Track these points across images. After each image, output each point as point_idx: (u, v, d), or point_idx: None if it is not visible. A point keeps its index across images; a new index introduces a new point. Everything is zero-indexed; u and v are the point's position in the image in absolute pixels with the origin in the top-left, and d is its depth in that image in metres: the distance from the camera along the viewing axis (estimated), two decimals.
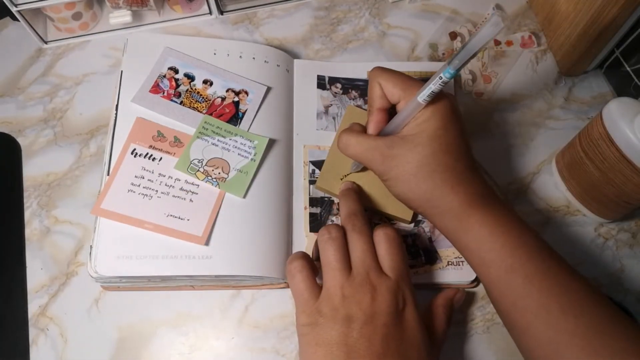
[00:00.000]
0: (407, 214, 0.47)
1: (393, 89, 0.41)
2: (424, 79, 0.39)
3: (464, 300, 0.46)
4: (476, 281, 0.47)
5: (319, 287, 0.39)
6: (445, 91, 0.39)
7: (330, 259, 0.39)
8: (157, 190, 0.46)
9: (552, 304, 0.36)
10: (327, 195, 0.49)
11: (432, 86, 0.37)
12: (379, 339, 0.36)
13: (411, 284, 0.40)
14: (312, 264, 0.40)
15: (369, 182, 0.48)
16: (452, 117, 0.40)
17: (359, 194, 0.46)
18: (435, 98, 0.39)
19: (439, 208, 0.40)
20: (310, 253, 0.45)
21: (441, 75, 0.36)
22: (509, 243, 0.38)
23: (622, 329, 0.36)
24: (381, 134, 0.43)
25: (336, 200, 0.49)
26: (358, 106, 0.53)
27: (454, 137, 0.40)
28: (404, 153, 0.40)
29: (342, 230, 0.41)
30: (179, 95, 0.50)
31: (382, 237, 0.40)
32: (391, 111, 0.43)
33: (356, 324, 0.36)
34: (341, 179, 0.48)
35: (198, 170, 0.47)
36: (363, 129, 0.44)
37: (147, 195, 0.45)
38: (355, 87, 0.54)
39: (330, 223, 0.42)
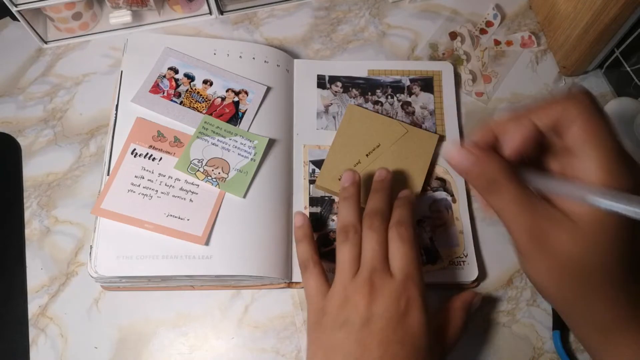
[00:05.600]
0: None
1: (590, 152, 0.29)
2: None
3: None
4: (477, 281, 0.47)
5: (328, 284, 0.40)
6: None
7: (342, 258, 0.40)
8: (157, 190, 0.46)
9: None
10: (327, 194, 0.49)
11: (623, 211, 0.27)
12: (375, 344, 0.35)
13: (422, 285, 0.38)
14: (320, 260, 0.42)
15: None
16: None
17: (391, 191, 0.44)
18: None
19: (585, 318, 0.33)
20: None
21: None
22: None
23: None
24: (524, 176, 0.31)
25: (336, 199, 0.49)
26: (359, 105, 0.53)
27: (628, 238, 0.30)
28: (566, 240, 0.29)
29: (360, 226, 0.41)
30: (179, 95, 0.50)
31: (394, 235, 0.39)
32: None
33: (353, 328, 0.36)
34: (339, 179, 0.48)
35: (198, 170, 0.47)
36: (492, 141, 0.31)
37: (147, 195, 0.45)
38: (356, 86, 0.54)
39: (351, 221, 0.41)
